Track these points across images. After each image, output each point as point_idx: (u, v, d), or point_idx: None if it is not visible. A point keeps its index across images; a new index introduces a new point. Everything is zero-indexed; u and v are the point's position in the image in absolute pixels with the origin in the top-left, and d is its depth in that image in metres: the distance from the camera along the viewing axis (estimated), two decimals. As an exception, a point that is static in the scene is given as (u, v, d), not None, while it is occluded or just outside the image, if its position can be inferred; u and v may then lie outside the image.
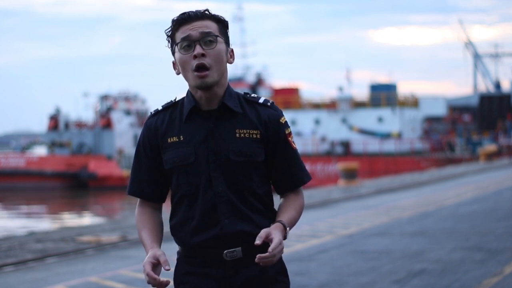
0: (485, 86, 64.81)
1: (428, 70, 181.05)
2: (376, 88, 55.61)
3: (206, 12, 3.01)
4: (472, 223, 13.45)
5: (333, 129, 53.30)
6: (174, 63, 3.07)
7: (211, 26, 2.99)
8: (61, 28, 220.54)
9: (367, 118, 53.19)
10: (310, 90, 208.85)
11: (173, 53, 3.05)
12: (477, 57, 64.73)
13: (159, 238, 3.07)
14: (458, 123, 60.62)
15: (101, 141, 55.92)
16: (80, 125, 59.05)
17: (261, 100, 3.08)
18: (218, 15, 3.03)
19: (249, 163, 3.01)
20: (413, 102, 56.01)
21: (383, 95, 53.81)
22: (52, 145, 53.47)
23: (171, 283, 3.03)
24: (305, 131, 51.97)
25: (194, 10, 3.01)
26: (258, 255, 2.86)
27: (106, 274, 9.37)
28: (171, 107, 3.10)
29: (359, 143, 50.47)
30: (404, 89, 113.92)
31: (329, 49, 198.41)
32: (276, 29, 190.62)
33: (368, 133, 52.52)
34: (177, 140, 3.03)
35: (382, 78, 73.13)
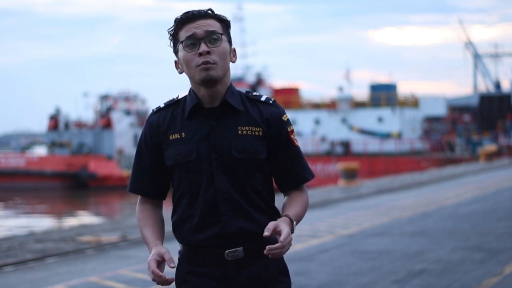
0: (485, 86, 64.83)
1: (428, 70, 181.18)
2: (376, 88, 55.61)
3: (209, 11, 3.03)
4: (472, 223, 13.45)
5: (333, 129, 53.30)
6: (176, 62, 3.08)
7: (215, 25, 3.01)
8: (61, 28, 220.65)
9: (367, 118, 53.19)
10: (310, 90, 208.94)
11: (176, 52, 3.06)
12: (477, 57, 64.73)
13: (161, 235, 3.07)
14: (458, 123, 60.62)
15: (101, 141, 55.91)
16: (80, 125, 59.04)
17: (263, 98, 3.09)
18: (221, 15, 3.05)
19: (252, 160, 3.01)
20: (413, 102, 56.01)
21: (383, 95, 53.81)
22: (52, 145, 53.46)
23: (173, 283, 3.03)
24: (305, 131, 51.97)
25: (197, 10, 3.02)
26: (267, 246, 2.86)
27: (106, 274, 9.37)
28: (173, 104, 3.10)
29: (359, 143, 50.47)
30: (404, 89, 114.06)
31: (329, 49, 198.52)
32: (276, 29, 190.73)
33: (368, 133, 52.52)
34: (179, 137, 3.03)
35: (382, 78, 73.22)
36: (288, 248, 2.90)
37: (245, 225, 2.99)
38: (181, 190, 3.04)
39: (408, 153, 49.33)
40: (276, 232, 2.88)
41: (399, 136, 51.92)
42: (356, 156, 47.10)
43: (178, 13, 3.05)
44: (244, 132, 3.02)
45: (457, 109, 66.20)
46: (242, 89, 3.14)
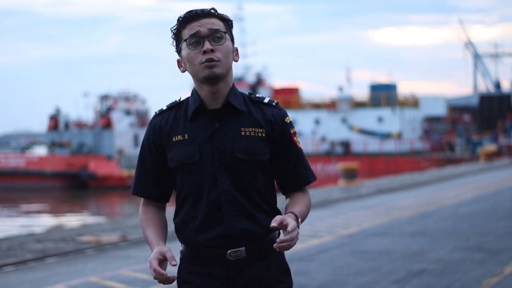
0: (485, 86, 64.83)
1: (428, 70, 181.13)
2: (376, 88, 55.62)
3: (212, 10, 3.04)
4: (472, 223, 13.45)
5: (333, 129, 53.31)
6: (179, 61, 3.09)
7: (218, 24, 3.02)
8: (61, 28, 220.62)
9: (367, 118, 53.20)
10: (310, 90, 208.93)
11: (179, 51, 3.06)
12: (477, 57, 64.73)
13: (164, 236, 3.07)
14: (458, 123, 60.62)
15: (101, 141, 55.91)
16: (80, 125, 59.03)
17: (266, 100, 3.10)
18: (224, 14, 3.06)
19: (255, 161, 3.02)
20: (413, 102, 56.02)
21: (383, 95, 53.82)
22: (52, 145, 53.47)
23: (174, 283, 3.03)
24: (305, 131, 51.97)
25: (200, 9, 3.04)
26: (277, 239, 2.86)
27: (106, 274, 9.37)
28: (176, 106, 3.11)
29: (359, 143, 50.48)
30: (404, 89, 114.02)
31: (329, 49, 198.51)
32: (276, 29, 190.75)
33: (368, 133, 52.53)
34: (181, 138, 3.04)
35: (382, 78, 73.21)
36: (295, 243, 2.90)
37: (248, 226, 3.00)
38: (184, 192, 3.05)
39: (408, 153, 49.34)
40: (282, 226, 2.89)
41: (399, 136, 51.92)
42: (356, 156, 47.11)
43: (178, 13, 3.06)
44: (247, 133, 3.02)
45: (457, 109, 66.21)
46: (242, 89, 3.15)
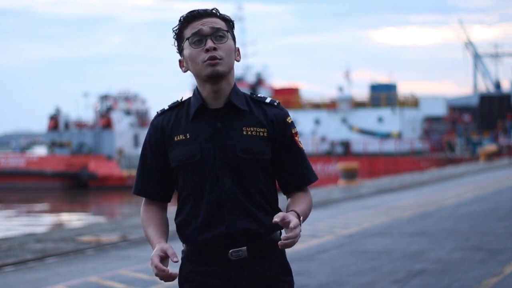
0: (485, 86, 64.82)
1: (428, 70, 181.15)
2: (376, 88, 55.62)
3: (214, 10, 3.05)
4: (472, 223, 13.45)
5: (333, 129, 53.31)
6: (180, 61, 3.09)
7: (220, 23, 3.03)
8: (61, 28, 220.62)
9: (367, 118, 53.20)
10: (310, 90, 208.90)
11: (181, 51, 3.07)
12: (477, 57, 64.72)
13: (165, 235, 3.07)
14: (458, 123, 60.61)
15: (101, 141, 55.90)
16: (80, 125, 59.01)
17: (267, 100, 3.11)
18: (225, 15, 3.07)
19: (256, 160, 3.02)
20: (413, 102, 56.03)
21: (383, 95, 53.82)
22: (52, 145, 53.45)
23: (176, 282, 3.03)
24: (305, 131, 51.96)
25: (202, 9, 3.04)
26: (282, 236, 2.87)
27: (106, 274, 9.37)
28: (178, 106, 3.11)
29: (359, 143, 50.48)
30: (404, 89, 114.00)
31: (329, 49, 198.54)
32: (276, 29, 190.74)
33: (368, 133, 52.53)
34: (183, 138, 3.04)
35: (382, 78, 73.20)
36: (298, 240, 2.90)
37: (250, 225, 3.00)
38: (186, 191, 3.05)
39: (408, 153, 49.34)
40: (285, 223, 2.88)
41: (399, 136, 51.92)
42: (356, 156, 47.11)
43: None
44: (249, 132, 3.03)
45: (457, 109, 66.20)
46: (242, 89, 3.16)
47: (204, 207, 3.01)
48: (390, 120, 52.80)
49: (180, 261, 3.05)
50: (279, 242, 2.88)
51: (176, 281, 3.04)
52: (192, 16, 3.02)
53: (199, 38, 2.99)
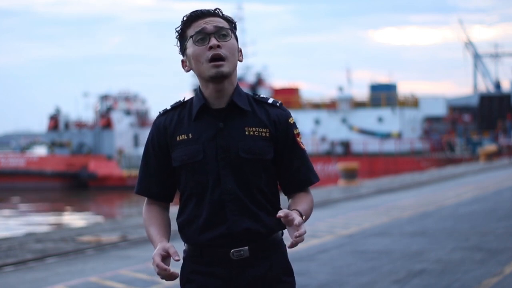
0: (485, 86, 64.81)
1: (428, 70, 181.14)
2: (376, 88, 55.62)
3: (217, 11, 3.05)
4: (472, 223, 13.45)
5: (333, 129, 53.31)
6: (183, 61, 3.09)
7: (223, 23, 3.03)
8: (61, 28, 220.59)
9: (367, 118, 53.20)
10: (310, 90, 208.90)
11: (183, 51, 3.07)
12: (477, 57, 64.71)
13: (167, 234, 3.08)
14: (458, 123, 60.61)
15: (101, 141, 55.90)
16: (80, 125, 59.02)
17: (270, 101, 3.11)
18: (228, 15, 3.08)
19: (258, 161, 3.02)
20: (413, 102, 56.02)
21: (383, 95, 53.82)
22: (52, 145, 53.46)
23: (176, 282, 3.03)
24: (305, 131, 51.96)
25: (205, 9, 3.05)
26: (295, 233, 2.86)
27: (106, 274, 9.37)
28: (180, 106, 3.12)
29: (359, 143, 50.48)
30: (404, 89, 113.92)
31: (329, 49, 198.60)
32: (276, 29, 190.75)
33: (368, 133, 52.53)
34: (186, 138, 3.04)
35: (382, 78, 73.17)
36: (303, 239, 2.90)
37: (251, 226, 3.01)
38: (188, 191, 3.05)
39: (408, 153, 49.34)
40: (288, 221, 2.88)
41: (399, 136, 51.92)
42: (356, 156, 47.12)
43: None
44: (251, 132, 3.03)
45: (457, 109, 66.19)
46: (242, 89, 3.15)
47: (206, 207, 3.01)
48: (390, 120, 52.80)
49: (181, 261, 3.05)
50: (292, 241, 2.87)
51: (176, 281, 3.04)
52: (196, 16, 3.02)
53: (203, 37, 3.00)
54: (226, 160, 3.00)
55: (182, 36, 3.06)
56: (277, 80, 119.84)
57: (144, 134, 54.53)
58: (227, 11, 3.11)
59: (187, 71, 3.09)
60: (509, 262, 9.39)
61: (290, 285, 3.10)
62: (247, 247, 3.01)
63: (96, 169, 47.41)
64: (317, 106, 56.47)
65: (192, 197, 3.04)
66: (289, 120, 3.10)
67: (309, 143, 48.97)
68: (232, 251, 3.00)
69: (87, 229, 14.61)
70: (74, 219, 28.93)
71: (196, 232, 3.03)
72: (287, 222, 2.89)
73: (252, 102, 3.09)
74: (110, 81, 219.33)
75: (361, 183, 25.34)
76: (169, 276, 2.91)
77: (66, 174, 47.81)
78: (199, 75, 3.04)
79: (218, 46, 2.97)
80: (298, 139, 3.12)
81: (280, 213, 2.87)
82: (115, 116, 57.39)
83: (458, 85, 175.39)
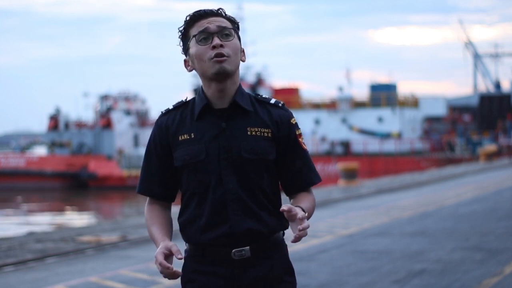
0: (485, 86, 64.81)
1: (428, 70, 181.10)
2: (376, 88, 55.63)
3: (220, 10, 3.06)
4: (472, 223, 13.45)
5: (333, 129, 53.32)
6: (186, 61, 3.10)
7: (226, 23, 3.04)
8: (61, 28, 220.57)
9: (367, 118, 53.21)
10: (310, 90, 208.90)
11: (186, 50, 3.07)
12: (477, 57, 64.71)
13: (169, 233, 3.08)
14: (458, 123, 60.60)
15: (101, 141, 55.90)
16: (80, 125, 59.03)
17: (272, 101, 3.12)
18: (231, 15, 3.09)
19: (261, 161, 3.03)
20: (413, 102, 56.03)
21: (383, 95, 53.82)
22: (52, 145, 53.46)
23: (177, 282, 3.03)
24: (305, 131, 51.96)
25: (208, 9, 3.06)
26: (299, 226, 2.84)
27: (106, 274, 9.37)
28: (182, 106, 3.12)
29: (359, 143, 50.49)
30: (404, 89, 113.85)
31: (329, 49, 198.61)
32: (276, 29, 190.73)
33: (368, 133, 52.54)
34: (188, 137, 3.05)
35: (382, 78, 73.19)
36: (306, 233, 2.88)
37: (253, 226, 3.01)
38: (190, 191, 3.06)
39: (408, 153, 49.35)
40: (291, 215, 2.88)
41: (399, 136, 51.93)
42: (356, 156, 47.14)
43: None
44: (254, 133, 3.04)
45: (457, 109, 66.18)
46: (245, 89, 3.15)
47: (208, 206, 3.01)
48: (390, 120, 52.80)
49: (182, 260, 3.06)
50: (295, 234, 2.86)
51: (177, 281, 3.04)
52: (199, 15, 3.03)
53: (206, 36, 3.00)
54: (228, 160, 3.01)
55: (185, 36, 3.07)
56: (277, 80, 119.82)
57: (144, 134, 54.58)
58: (227, 11, 3.11)
59: (190, 70, 3.10)
60: (509, 262, 9.39)
61: (291, 285, 3.10)
62: (248, 247, 3.01)
63: (96, 169, 47.41)
64: (317, 106, 56.48)
65: (194, 196, 3.04)
66: (291, 121, 3.11)
67: (309, 143, 48.93)
68: (233, 251, 3.00)
69: (87, 229, 14.62)
70: (74, 219, 28.93)
71: (197, 231, 3.03)
72: (290, 217, 2.90)
73: (255, 102, 3.09)
74: (110, 81, 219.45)
75: (361, 183, 25.35)
76: (172, 275, 2.91)
77: (66, 174, 47.81)
78: (202, 74, 3.04)
79: (221, 46, 2.98)
80: (300, 139, 3.13)
81: (284, 207, 2.87)
82: (115, 116, 57.39)
83: (458, 85, 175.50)
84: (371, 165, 45.93)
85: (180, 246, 3.09)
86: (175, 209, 3.13)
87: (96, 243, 12.08)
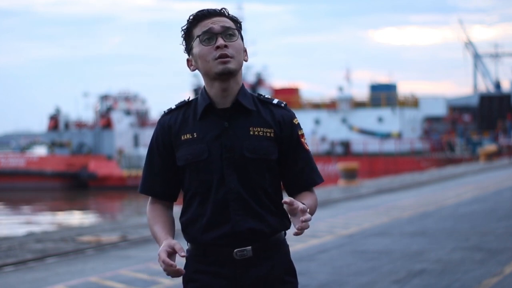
0: (485, 86, 64.83)
1: (428, 70, 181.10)
2: (376, 88, 55.65)
3: (223, 10, 3.07)
4: (472, 223, 13.45)
5: (333, 129, 53.33)
6: (188, 60, 3.10)
7: (229, 23, 3.05)
8: (61, 28, 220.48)
9: (367, 118, 53.22)
10: (310, 90, 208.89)
11: (189, 50, 3.08)
12: (477, 57, 64.72)
13: (172, 232, 3.08)
14: (458, 123, 60.62)
15: (101, 141, 55.91)
16: (80, 125, 59.04)
17: (275, 101, 3.12)
18: (234, 15, 3.10)
19: (263, 161, 3.03)
20: (413, 102, 56.04)
21: (383, 95, 53.83)
22: (52, 145, 53.45)
23: (177, 281, 3.03)
24: (305, 131, 51.44)
25: (212, 8, 3.06)
26: (301, 218, 2.83)
27: (106, 274, 9.37)
28: (185, 106, 3.12)
29: (359, 143, 50.50)
30: (404, 89, 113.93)
31: (329, 49, 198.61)
32: (276, 29, 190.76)
33: (368, 133, 52.54)
34: (190, 137, 3.05)
35: (382, 78, 73.23)
36: (308, 225, 2.88)
37: (255, 225, 3.01)
38: (192, 190, 3.06)
39: (408, 153, 49.36)
40: (292, 209, 2.88)
41: (399, 136, 51.94)
42: (356, 156, 47.14)
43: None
44: (256, 132, 3.04)
45: (457, 109, 66.20)
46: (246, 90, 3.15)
47: (210, 206, 3.02)
48: (390, 120, 52.82)
49: (184, 260, 3.06)
50: (297, 226, 2.85)
51: (178, 280, 3.04)
52: (202, 15, 3.03)
53: (210, 36, 3.01)
54: (231, 159, 3.01)
55: (188, 36, 3.07)
56: (277, 80, 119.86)
57: (144, 134, 54.61)
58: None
59: (193, 70, 3.10)
60: (509, 262, 9.39)
61: (292, 285, 3.10)
62: (250, 247, 3.01)
63: (96, 169, 47.40)
64: (317, 106, 56.51)
65: (196, 196, 3.05)
66: (294, 121, 3.12)
67: (309, 143, 48.54)
68: (235, 251, 3.00)
69: (87, 229, 14.61)
70: (74, 219, 28.93)
71: (199, 231, 3.03)
72: (291, 211, 2.89)
73: (257, 102, 3.10)
74: (110, 81, 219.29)
75: (361, 183, 25.35)
76: (176, 272, 2.91)
77: (66, 174, 47.79)
78: (205, 74, 3.04)
79: (225, 46, 2.99)
80: (302, 140, 3.14)
81: (286, 199, 2.87)
82: (115, 116, 57.40)
83: (458, 85, 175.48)
84: (371, 165, 45.94)
85: (182, 246, 3.09)
86: (177, 209, 3.13)
87: (96, 243, 12.08)
